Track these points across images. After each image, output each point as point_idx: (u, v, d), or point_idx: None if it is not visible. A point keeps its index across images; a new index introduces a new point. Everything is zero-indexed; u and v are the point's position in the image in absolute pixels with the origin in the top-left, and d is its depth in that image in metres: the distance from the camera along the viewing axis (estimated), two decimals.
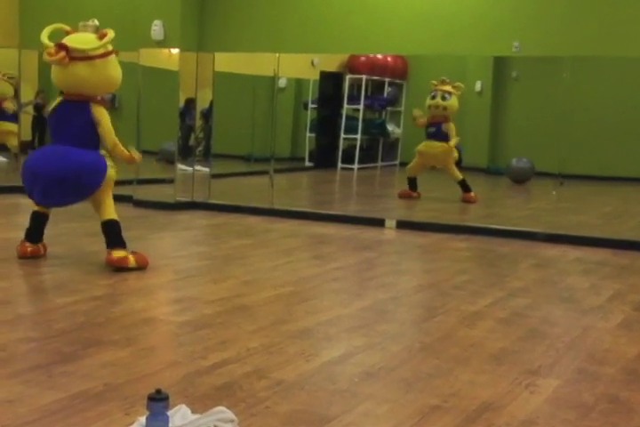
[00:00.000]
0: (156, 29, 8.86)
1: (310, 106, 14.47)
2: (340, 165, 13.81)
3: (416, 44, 8.15)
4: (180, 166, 9.10)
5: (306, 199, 10.69)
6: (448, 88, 9.81)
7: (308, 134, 14.37)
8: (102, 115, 5.34)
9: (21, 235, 5.64)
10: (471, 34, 7.90)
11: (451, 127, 9.90)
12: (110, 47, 5.34)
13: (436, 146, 9.90)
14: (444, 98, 9.77)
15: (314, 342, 3.85)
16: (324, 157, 14.13)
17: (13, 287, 4.90)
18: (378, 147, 14.58)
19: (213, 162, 9.40)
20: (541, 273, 5.95)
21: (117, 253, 5.27)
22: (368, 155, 14.32)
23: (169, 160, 9.10)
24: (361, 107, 14.02)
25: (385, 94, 14.62)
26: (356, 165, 13.74)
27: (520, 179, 11.93)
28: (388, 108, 14.77)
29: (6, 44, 9.35)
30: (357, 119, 14.03)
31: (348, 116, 14.18)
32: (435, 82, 9.84)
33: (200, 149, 9.66)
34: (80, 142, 5.30)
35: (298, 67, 12.52)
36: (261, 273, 5.47)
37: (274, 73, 8.99)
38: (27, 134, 12.19)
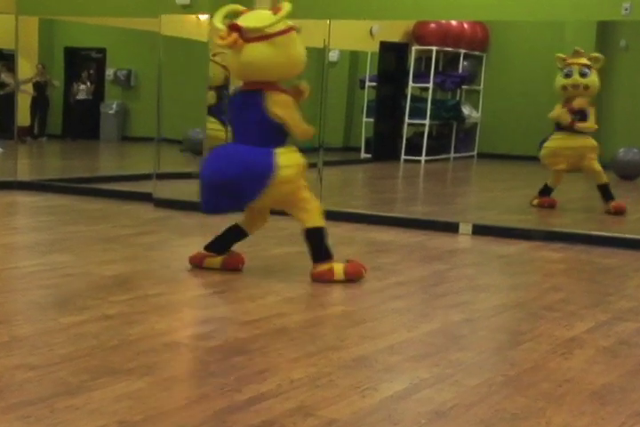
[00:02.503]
0: None
1: (368, 84, 14.50)
2: (403, 156, 13.82)
3: (499, 8, 8.11)
4: None
5: (362, 198, 10.70)
6: (585, 61, 9.12)
7: (364, 119, 14.40)
8: (283, 105, 5.45)
9: (18, 240, 5.74)
10: None
11: (592, 112, 9.21)
12: (290, 23, 5.48)
13: (578, 140, 9.24)
14: (582, 74, 9.08)
15: (371, 374, 3.86)
16: (384, 147, 14.15)
17: (8, 303, 4.99)
18: (450, 134, 14.55)
19: None
20: None
21: (320, 267, 5.53)
22: (438, 144, 14.30)
23: (196, 151, 9.15)
24: (430, 85, 14.01)
25: (460, 70, 14.59)
26: (423, 157, 13.72)
27: (629, 174, 11.80)
28: (464, 87, 14.74)
29: (0, 10, 9.51)
30: (426, 100, 14.03)
31: (413, 97, 14.19)
32: (562, 55, 9.23)
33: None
34: (254, 140, 5.52)
35: (353, 36, 12.55)
36: (307, 288, 5.49)
37: (324, 44, 9.01)
38: (24, 119, 12.42)
